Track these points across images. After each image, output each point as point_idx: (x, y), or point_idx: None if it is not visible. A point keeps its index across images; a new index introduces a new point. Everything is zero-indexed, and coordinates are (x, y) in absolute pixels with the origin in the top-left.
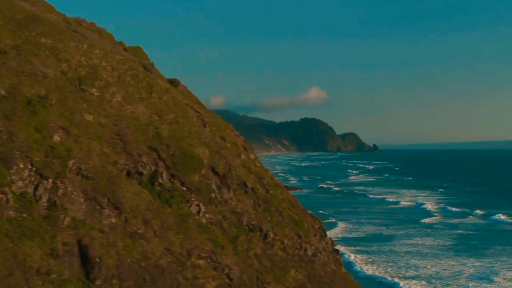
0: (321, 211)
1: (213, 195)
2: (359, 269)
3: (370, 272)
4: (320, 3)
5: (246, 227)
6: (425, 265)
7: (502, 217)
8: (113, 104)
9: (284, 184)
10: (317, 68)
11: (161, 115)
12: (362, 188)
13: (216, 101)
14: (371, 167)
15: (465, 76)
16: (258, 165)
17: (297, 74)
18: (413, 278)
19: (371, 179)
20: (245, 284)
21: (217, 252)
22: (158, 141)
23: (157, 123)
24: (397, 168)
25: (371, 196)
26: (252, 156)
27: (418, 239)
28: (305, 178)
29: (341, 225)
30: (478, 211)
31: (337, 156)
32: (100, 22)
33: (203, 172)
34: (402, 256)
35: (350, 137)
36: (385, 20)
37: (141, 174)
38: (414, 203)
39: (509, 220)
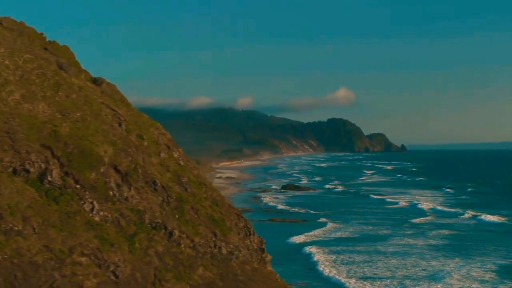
0: (313, 211)
1: (111, 192)
2: (320, 269)
3: (329, 273)
4: (348, 3)
5: (148, 225)
6: (405, 265)
7: (490, 218)
8: (9, 103)
9: (296, 184)
10: (345, 68)
11: (65, 114)
12: (369, 188)
13: (244, 102)
14: (390, 167)
15: (498, 76)
16: (182, 163)
17: (325, 75)
18: (386, 278)
19: (383, 179)
20: (137, 282)
21: (105, 249)
22: (54, 139)
23: (57, 121)
24: (414, 169)
25: (374, 196)
26: (176, 155)
27: (407, 239)
28: (317, 179)
29: (330, 225)
30: (470, 212)
31: (361, 157)
32: (133, 21)
33: (102, 170)
34: (386, 256)
35: (378, 138)
36: (415, 20)
37: (28, 171)
38: (411, 203)
39: (498, 221)
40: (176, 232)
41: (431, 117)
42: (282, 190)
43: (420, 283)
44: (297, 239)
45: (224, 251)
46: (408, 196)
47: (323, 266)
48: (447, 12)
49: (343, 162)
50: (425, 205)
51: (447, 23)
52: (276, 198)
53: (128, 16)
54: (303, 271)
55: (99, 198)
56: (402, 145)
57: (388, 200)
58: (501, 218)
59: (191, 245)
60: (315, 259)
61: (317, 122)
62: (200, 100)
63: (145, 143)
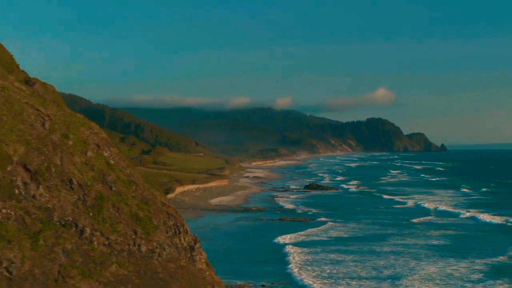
0: (315, 210)
1: (16, 191)
2: (295, 268)
3: (299, 274)
4: (387, 3)
5: (57, 223)
6: (393, 265)
7: (488, 218)
8: None
9: (319, 184)
10: (384, 68)
11: None
12: (385, 188)
13: (283, 101)
14: (419, 167)
15: None
16: (112, 162)
17: (364, 74)
18: (366, 278)
19: (405, 179)
20: (35, 278)
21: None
22: None
23: None
24: (441, 168)
25: (384, 197)
26: (106, 154)
27: (406, 239)
28: (339, 178)
29: (328, 224)
30: (473, 212)
31: (397, 157)
32: (174, 21)
33: (8, 169)
34: (379, 256)
35: (418, 137)
36: (455, 19)
37: None
38: (417, 204)
39: (497, 221)
40: (88, 230)
41: (474, 117)
42: (304, 190)
43: (398, 282)
44: (293, 237)
45: (143, 248)
46: (419, 195)
47: (299, 266)
48: (489, 11)
49: (374, 162)
50: (432, 205)
51: (488, 23)
52: (295, 197)
53: (169, 16)
54: (281, 270)
55: (2, 196)
56: (442, 145)
57: (397, 200)
58: (504, 218)
59: (106, 242)
60: (297, 258)
61: (356, 121)
62: (240, 100)
63: (70, 143)
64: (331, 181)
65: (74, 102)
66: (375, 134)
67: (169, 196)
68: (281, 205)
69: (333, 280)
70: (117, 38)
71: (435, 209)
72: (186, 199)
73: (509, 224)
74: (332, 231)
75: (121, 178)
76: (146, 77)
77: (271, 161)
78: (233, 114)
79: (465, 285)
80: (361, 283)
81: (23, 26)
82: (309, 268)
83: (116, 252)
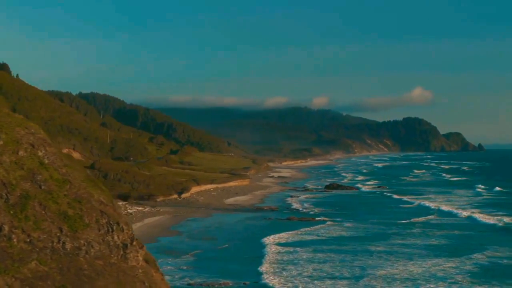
0: (324, 210)
1: None
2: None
3: (269, 274)
4: (424, 3)
5: None
6: (381, 265)
7: (483, 218)
8: None
9: (338, 183)
10: (421, 68)
11: None
12: (400, 188)
13: (319, 101)
14: (446, 166)
15: None
16: (47, 161)
17: (401, 74)
18: (344, 278)
19: (425, 179)
20: None
21: None
22: None
23: None
24: (467, 168)
25: (395, 197)
26: (41, 153)
27: (405, 238)
28: (360, 178)
29: (332, 223)
30: (467, 212)
31: (430, 156)
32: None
33: None
34: (370, 256)
35: (455, 137)
36: (493, 19)
37: None
38: (423, 204)
39: (489, 222)
40: (6, 227)
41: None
42: (323, 190)
43: (373, 282)
44: (290, 237)
45: (68, 246)
46: (430, 195)
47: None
48: None
49: (404, 162)
50: (436, 205)
51: None
52: (311, 197)
53: (208, 16)
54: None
55: None
56: (479, 145)
57: (406, 199)
58: (499, 218)
59: (27, 240)
60: (285, 258)
61: (392, 121)
62: (276, 100)
63: (0, 142)
64: (350, 181)
65: (107, 103)
66: (411, 133)
67: (184, 195)
68: (294, 205)
69: (306, 279)
70: (157, 39)
71: (438, 209)
72: (201, 199)
73: (500, 224)
74: (333, 230)
75: (55, 177)
76: (185, 77)
77: (303, 160)
78: (269, 114)
79: (443, 284)
80: (336, 283)
81: (59, 26)
82: (291, 267)
83: (37, 249)
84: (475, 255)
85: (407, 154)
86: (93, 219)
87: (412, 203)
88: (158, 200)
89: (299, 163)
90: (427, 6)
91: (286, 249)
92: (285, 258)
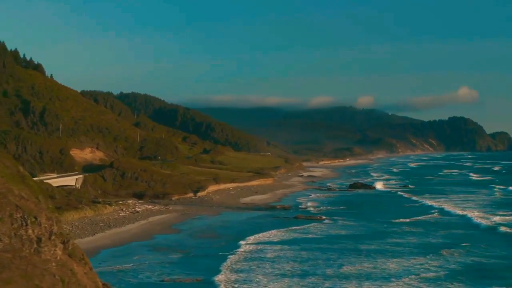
0: (328, 208)
1: None
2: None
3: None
4: (470, 2)
5: None
6: (361, 262)
7: (478, 219)
8: None
9: (362, 182)
10: (467, 67)
11: None
12: (421, 188)
13: (364, 100)
14: (479, 166)
15: None
16: None
17: (446, 73)
18: (316, 275)
19: (449, 179)
20: None
21: None
22: None
23: None
24: (497, 168)
25: (405, 196)
26: None
27: (407, 237)
28: (385, 177)
29: (335, 222)
30: (481, 213)
31: (470, 156)
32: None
33: None
34: (358, 255)
35: (501, 136)
36: None
37: None
38: (428, 204)
39: (483, 223)
40: None
41: None
42: (347, 189)
43: (342, 282)
44: (287, 235)
45: None
46: (442, 195)
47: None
48: None
49: (440, 162)
50: (439, 205)
51: None
52: (330, 196)
53: (253, 16)
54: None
55: None
56: None
57: (413, 199)
58: (494, 219)
59: None
60: (269, 255)
61: (437, 120)
62: (321, 99)
63: None
64: (374, 180)
65: (147, 102)
66: (457, 133)
67: (200, 194)
68: (308, 204)
69: (272, 278)
70: (204, 40)
71: (442, 209)
72: (216, 197)
73: (492, 224)
74: (333, 229)
75: (2, 174)
76: (230, 77)
77: (341, 160)
78: (313, 113)
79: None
80: (304, 280)
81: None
82: (266, 265)
83: None
84: (461, 255)
85: (450, 154)
86: (6, 213)
87: (419, 202)
88: (173, 198)
89: (337, 162)
90: (473, 5)
91: (285, 247)
92: (279, 254)
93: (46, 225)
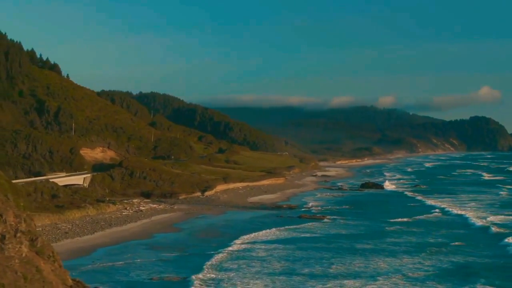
0: (333, 208)
1: None
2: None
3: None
4: (491, 2)
5: None
6: (351, 262)
7: (471, 218)
8: None
9: (373, 182)
10: (489, 67)
11: None
12: (433, 187)
13: (385, 100)
14: (495, 166)
15: None
16: None
17: (468, 73)
18: (302, 275)
19: (460, 178)
20: None
21: None
22: None
23: None
24: (511, 168)
25: (411, 195)
26: None
27: (406, 237)
28: (397, 176)
29: (337, 221)
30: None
31: (489, 156)
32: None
33: None
34: (352, 254)
35: None
36: None
37: None
38: (430, 204)
39: (478, 223)
40: None
41: None
42: (357, 189)
43: (325, 280)
44: (285, 233)
45: None
46: (447, 195)
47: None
48: None
49: (458, 161)
50: (442, 205)
51: None
52: (338, 195)
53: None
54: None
55: None
56: None
57: (417, 198)
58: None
59: None
60: (260, 254)
61: (459, 120)
62: (342, 99)
63: None
64: (384, 180)
65: (166, 102)
66: (478, 133)
67: (207, 193)
68: (314, 203)
69: (255, 276)
70: (226, 40)
71: (443, 209)
72: (224, 197)
73: (485, 224)
74: (334, 228)
75: None
76: (253, 77)
77: (358, 160)
78: (334, 113)
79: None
80: (289, 279)
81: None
82: (254, 264)
83: None
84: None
85: (469, 154)
86: None
87: (423, 201)
88: (180, 197)
89: (354, 162)
90: (495, 4)
91: (279, 246)
92: (270, 254)
93: (13, 223)
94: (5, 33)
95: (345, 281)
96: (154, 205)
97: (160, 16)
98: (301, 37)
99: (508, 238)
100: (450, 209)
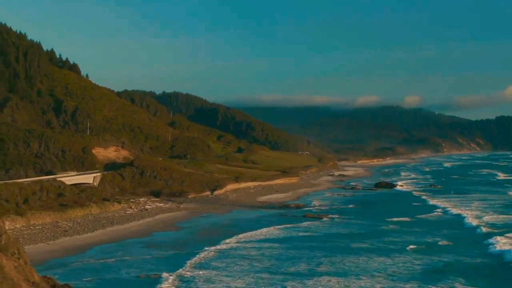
0: (336, 206)
1: None
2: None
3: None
4: None
5: None
6: (342, 261)
7: (467, 218)
8: None
9: (387, 182)
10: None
11: None
12: (446, 187)
13: (411, 100)
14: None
15: None
16: None
17: (494, 73)
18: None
19: (475, 178)
20: None
21: None
22: None
23: None
24: None
25: (416, 194)
26: None
27: (404, 236)
28: (413, 176)
29: (339, 220)
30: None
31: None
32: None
33: None
34: (346, 253)
35: None
36: None
37: None
38: (432, 204)
39: (473, 223)
40: None
41: None
42: (371, 188)
43: (305, 278)
44: (283, 232)
45: None
46: (461, 194)
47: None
48: None
49: (478, 161)
50: (443, 205)
51: None
52: (348, 195)
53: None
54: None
55: None
56: None
57: (423, 198)
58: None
59: None
60: (252, 253)
61: (485, 120)
62: (367, 99)
63: None
64: (399, 179)
65: (189, 102)
66: (505, 132)
67: (217, 192)
68: (323, 202)
69: (237, 274)
70: (255, 39)
71: (444, 209)
72: (233, 196)
73: (477, 224)
74: (334, 227)
75: None
76: (279, 77)
77: (380, 159)
78: (360, 113)
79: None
80: (271, 277)
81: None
82: (241, 262)
83: None
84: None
85: (494, 154)
86: None
87: (425, 201)
88: (189, 196)
89: (375, 162)
90: None
91: (276, 245)
92: (263, 252)
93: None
94: (25, 33)
95: (326, 279)
96: (160, 204)
97: (188, 16)
98: (328, 37)
99: (493, 237)
100: (451, 209)
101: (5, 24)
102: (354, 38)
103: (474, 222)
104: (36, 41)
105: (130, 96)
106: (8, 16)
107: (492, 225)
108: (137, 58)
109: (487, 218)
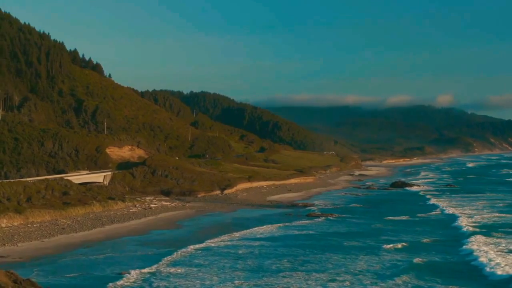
0: (343, 205)
1: None
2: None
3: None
4: None
5: None
6: (328, 259)
7: (460, 217)
8: None
9: (403, 181)
10: None
11: None
12: (463, 187)
13: (443, 99)
14: None
15: None
16: None
17: None
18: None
19: (492, 178)
20: None
21: None
22: None
23: None
24: None
25: (421, 194)
26: None
27: (403, 235)
28: (431, 175)
29: (340, 219)
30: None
31: None
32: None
33: None
34: (335, 252)
35: None
36: None
37: None
38: (434, 204)
39: (471, 224)
40: None
41: None
42: (386, 188)
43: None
44: (282, 231)
45: None
46: (465, 195)
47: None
48: None
49: (504, 161)
50: (444, 205)
51: None
52: (360, 194)
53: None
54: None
55: None
56: None
57: (427, 197)
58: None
59: None
60: (243, 251)
61: None
62: (399, 98)
63: None
64: (416, 179)
65: (216, 101)
66: None
67: (227, 191)
68: (332, 201)
69: (215, 271)
70: (288, 39)
71: (442, 209)
72: (243, 195)
73: (467, 223)
74: (333, 226)
75: None
76: (312, 76)
77: (407, 159)
78: (391, 112)
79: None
80: (252, 275)
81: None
82: (223, 260)
83: None
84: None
85: None
86: None
87: (427, 199)
88: (199, 195)
89: (402, 161)
90: None
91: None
92: (252, 251)
93: None
94: (49, 34)
95: (303, 277)
96: (167, 203)
97: (222, 16)
98: (360, 38)
99: (474, 236)
100: (448, 209)
101: (28, 24)
102: (386, 38)
103: (463, 222)
104: (59, 41)
105: (153, 96)
106: (36, 18)
107: (477, 226)
108: (173, 57)
109: (478, 218)
